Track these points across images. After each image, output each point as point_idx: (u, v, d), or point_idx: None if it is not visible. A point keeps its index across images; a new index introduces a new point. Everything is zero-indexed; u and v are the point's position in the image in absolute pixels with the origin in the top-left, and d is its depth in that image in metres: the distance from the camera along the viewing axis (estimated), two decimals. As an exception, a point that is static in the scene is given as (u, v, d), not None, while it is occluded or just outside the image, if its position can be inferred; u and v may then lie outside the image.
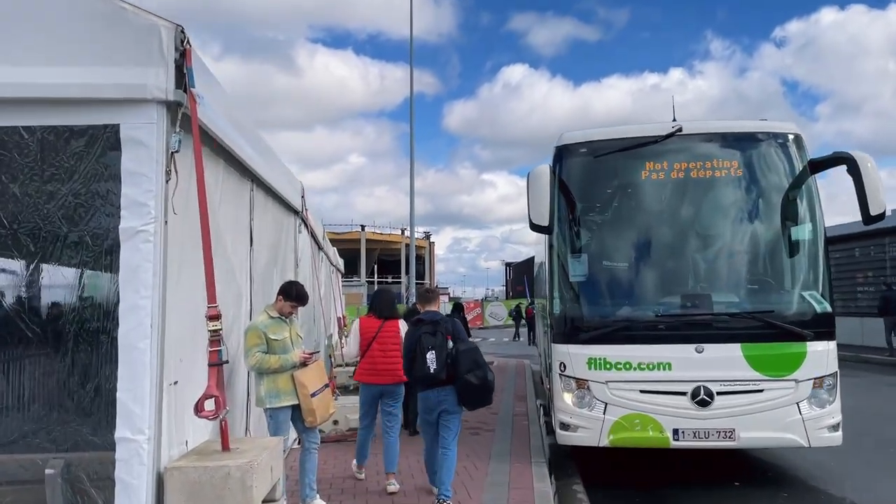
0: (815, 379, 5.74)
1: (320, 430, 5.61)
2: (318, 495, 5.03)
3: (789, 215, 6.05)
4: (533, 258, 22.77)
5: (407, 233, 31.86)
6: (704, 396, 5.72)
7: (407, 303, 22.04)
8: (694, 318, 5.86)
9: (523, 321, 27.37)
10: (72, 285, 3.30)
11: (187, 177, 3.46)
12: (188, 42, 3.34)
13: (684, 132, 6.16)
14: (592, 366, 5.93)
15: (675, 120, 6.53)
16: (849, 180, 5.65)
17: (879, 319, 16.55)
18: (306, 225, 7.88)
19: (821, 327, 5.80)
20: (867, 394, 10.92)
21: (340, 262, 16.71)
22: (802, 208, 6.07)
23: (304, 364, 4.78)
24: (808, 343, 5.74)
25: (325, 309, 10.81)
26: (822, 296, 5.92)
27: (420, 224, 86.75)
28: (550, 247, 6.40)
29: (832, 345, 5.85)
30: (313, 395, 4.74)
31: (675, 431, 5.76)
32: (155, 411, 3.17)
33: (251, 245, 5.26)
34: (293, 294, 4.88)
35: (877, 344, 17.08)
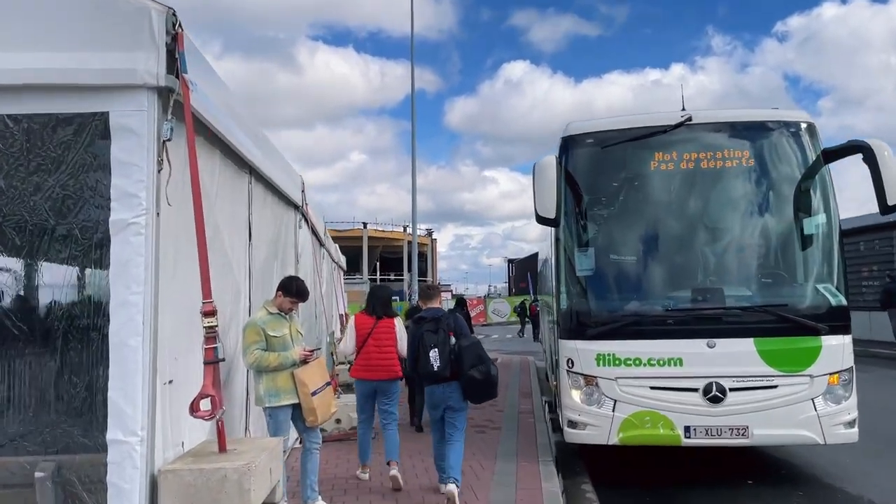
0: (830, 374, 5.58)
1: (322, 430, 5.48)
2: (319, 497, 4.89)
3: (802, 206, 5.89)
4: (536, 255, 22.66)
5: (409, 230, 31.72)
6: (717, 393, 5.56)
7: (409, 300, 21.91)
8: (705, 313, 5.70)
9: (528, 317, 27.23)
10: (60, 280, 3.16)
11: (181, 167, 3.32)
12: (180, 26, 3.19)
13: (694, 121, 5.99)
14: (601, 362, 5.78)
15: (683, 109, 6.36)
16: (854, 173, 5.56)
17: (886, 313, 16.36)
18: (307, 220, 7.74)
19: (836, 321, 5.64)
20: (874, 388, 10.74)
21: (342, 259, 16.58)
22: (816, 199, 5.90)
23: (304, 362, 4.63)
24: (823, 337, 5.58)
25: (327, 306, 10.67)
26: (837, 289, 5.75)
27: (422, 221, 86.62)
28: (557, 240, 6.24)
29: (848, 339, 5.69)
30: (314, 393, 4.59)
31: (687, 429, 5.61)
32: (148, 412, 3.03)
33: (250, 240, 5.13)
34: (293, 289, 4.73)
35: (884, 338, 16.90)
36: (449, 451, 5.10)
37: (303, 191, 7.38)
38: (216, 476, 3.00)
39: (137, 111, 3.08)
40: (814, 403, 5.55)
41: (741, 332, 5.59)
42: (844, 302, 5.70)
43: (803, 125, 6.03)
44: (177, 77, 3.17)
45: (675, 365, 5.66)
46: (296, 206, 7.18)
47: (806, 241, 5.87)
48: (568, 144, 6.21)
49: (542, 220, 5.80)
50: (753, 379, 5.57)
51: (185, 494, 2.98)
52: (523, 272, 39.91)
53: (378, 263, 59.08)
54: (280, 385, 4.54)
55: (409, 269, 27.82)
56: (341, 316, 13.22)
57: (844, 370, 5.63)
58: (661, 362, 5.68)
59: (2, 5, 3.01)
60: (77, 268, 3.16)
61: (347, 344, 5.85)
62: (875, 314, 17.66)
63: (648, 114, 6.29)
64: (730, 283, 5.91)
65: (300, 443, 5.30)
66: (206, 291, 3.27)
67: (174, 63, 3.16)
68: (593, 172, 6.15)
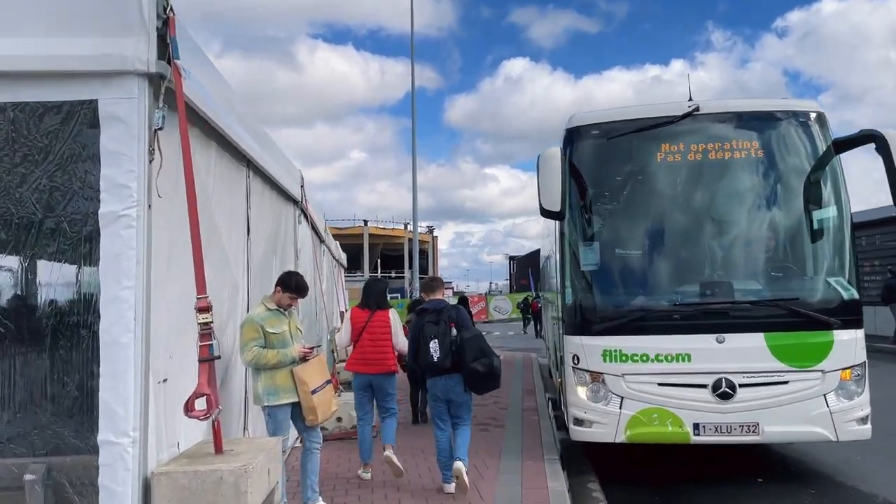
0: (842, 369, 5.45)
1: (323, 428, 5.37)
2: (320, 497, 4.77)
3: (813, 198, 5.75)
4: (537, 251, 22.51)
5: (410, 227, 31.58)
6: (726, 389, 5.44)
7: (410, 297, 21.79)
8: (714, 307, 5.56)
9: (530, 314, 27.09)
10: (49, 276, 3.03)
11: (175, 158, 3.19)
12: (171, 10, 3.06)
13: (701, 112, 5.86)
14: (607, 358, 5.65)
15: (690, 100, 6.22)
16: (854, 167, 5.49)
17: (888, 308, 16.22)
18: (306, 216, 7.61)
19: (848, 315, 5.51)
20: (880, 384, 10.58)
21: (343, 256, 16.45)
22: (827, 190, 5.77)
23: (304, 359, 4.50)
24: (834, 332, 5.45)
25: (328, 303, 10.55)
26: (849, 282, 5.61)
27: (423, 219, 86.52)
28: (562, 234, 6.10)
29: (860, 333, 5.56)
30: (314, 391, 4.46)
31: (696, 426, 5.48)
32: (140, 412, 2.91)
33: (248, 234, 5.00)
34: (292, 285, 4.60)
35: (887, 333, 16.76)
36: (456, 436, 5.22)
37: (302, 186, 7.25)
38: (212, 478, 2.88)
39: (127, 99, 2.95)
40: (826, 399, 5.42)
41: (751, 326, 5.46)
42: (856, 295, 5.56)
43: (813, 115, 5.89)
44: (168, 63, 3.04)
45: (684, 361, 5.53)
46: (295, 202, 7.06)
47: (817, 233, 5.73)
48: (572, 136, 6.07)
49: (546, 213, 5.68)
50: (764, 374, 5.45)
51: (180, 497, 2.86)
52: (524, 269, 39.81)
53: (379, 261, 58.99)
54: (279, 383, 4.41)
55: (411, 267, 27.70)
56: (342, 313, 13.10)
57: (857, 365, 5.50)
58: (670, 358, 5.55)
59: (-16, -12, 2.88)
60: (66, 262, 3.03)
61: (342, 337, 5.88)
62: (878, 309, 17.51)
63: (655, 104, 6.14)
64: (739, 276, 5.77)
65: (301, 442, 5.19)
66: (201, 286, 3.14)
67: (165, 48, 3.03)
68: (598, 165, 6.01)
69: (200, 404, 3.09)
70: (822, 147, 5.79)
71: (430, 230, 61.15)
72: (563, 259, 6.12)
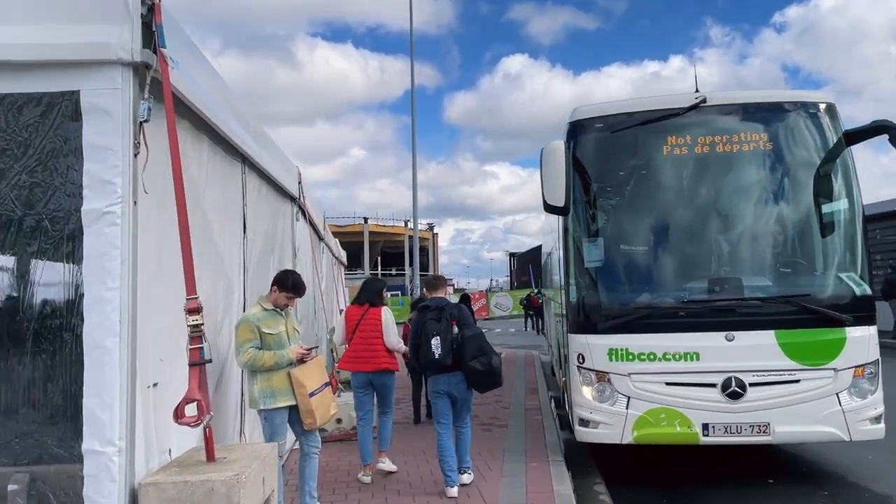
0: (855, 367, 5.30)
1: (322, 430, 5.23)
2: (318, 503, 4.62)
3: (824, 191, 5.58)
4: (538, 248, 22.32)
5: (410, 225, 31.41)
6: (736, 388, 5.29)
7: (411, 294, 21.63)
8: (723, 304, 5.40)
9: (531, 311, 26.94)
10: (29, 277, 2.88)
11: (163, 152, 3.04)
12: (157, -6, 2.91)
13: (708, 103, 5.69)
14: (614, 357, 5.50)
15: (697, 91, 6.06)
16: (858, 160, 5.27)
17: (888, 304, 16.07)
18: (304, 213, 7.46)
19: (860, 311, 5.36)
20: (886, 381, 10.46)
21: (343, 254, 16.29)
22: (838, 183, 5.60)
23: (301, 360, 4.35)
24: (847, 328, 5.30)
25: (327, 302, 10.40)
26: (861, 277, 5.46)
27: (423, 216, 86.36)
28: (566, 230, 5.94)
29: (872, 330, 5.41)
30: (312, 394, 4.31)
31: (705, 426, 5.33)
32: (127, 419, 2.76)
33: (244, 232, 4.86)
34: (289, 284, 4.45)
35: (888, 328, 16.60)
36: (458, 440, 5.30)
37: (299, 182, 7.10)
38: (202, 489, 2.73)
39: (111, 89, 2.81)
40: (838, 398, 5.27)
41: (761, 324, 5.31)
42: (869, 291, 5.42)
43: (823, 105, 5.73)
44: (154, 52, 2.89)
45: (692, 359, 5.38)
46: (292, 198, 6.91)
47: (828, 227, 5.56)
48: (575, 129, 5.91)
49: (550, 208, 5.52)
50: (775, 373, 5.30)
51: (169, 509, 2.71)
52: (524, 266, 39.64)
53: (379, 258, 58.86)
54: (276, 386, 4.26)
55: (411, 264, 27.55)
56: (342, 311, 12.95)
57: (870, 363, 5.36)
58: (678, 357, 5.40)
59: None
60: (47, 262, 2.88)
61: (337, 335, 6.00)
62: (879, 304, 17.32)
63: (660, 96, 5.98)
64: (749, 272, 5.61)
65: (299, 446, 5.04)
66: (191, 287, 3.00)
67: (151, 36, 2.88)
68: (603, 158, 5.84)
69: (191, 410, 2.95)
70: (832, 139, 5.63)
71: (431, 227, 61.02)
72: (567, 255, 5.96)
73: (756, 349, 5.30)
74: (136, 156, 2.84)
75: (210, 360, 3.06)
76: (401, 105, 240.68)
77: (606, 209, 5.77)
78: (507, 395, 9.66)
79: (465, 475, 5.33)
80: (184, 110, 3.41)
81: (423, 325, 5.16)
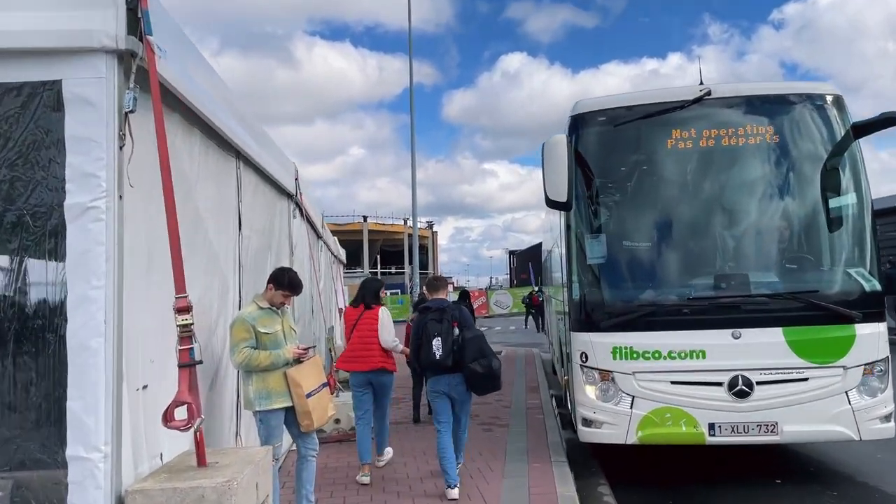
0: (865, 365, 5.19)
1: (320, 431, 5.12)
2: (317, 507, 4.51)
3: (831, 184, 5.46)
4: (538, 245, 22.19)
5: (409, 223, 31.29)
6: (743, 387, 5.17)
7: (410, 293, 21.50)
8: (730, 301, 5.28)
9: (532, 309, 26.82)
10: (10, 275, 2.76)
11: (152, 145, 2.91)
12: (143, -20, 2.78)
13: (713, 96, 5.57)
14: (617, 355, 5.38)
15: (701, 84, 5.93)
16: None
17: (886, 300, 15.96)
18: (301, 210, 7.33)
19: (870, 308, 5.24)
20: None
21: (342, 253, 16.16)
22: (846, 177, 5.48)
23: (298, 360, 4.23)
24: (856, 325, 5.18)
25: (325, 301, 10.28)
26: (871, 273, 5.34)
27: (422, 214, 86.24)
28: (568, 226, 5.81)
29: (882, 327, 5.29)
30: (309, 395, 4.18)
31: (711, 426, 5.22)
32: (113, 423, 2.64)
33: (240, 229, 4.73)
34: (285, 282, 4.33)
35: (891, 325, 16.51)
36: (457, 443, 5.27)
37: (296, 179, 6.97)
38: (192, 496, 2.61)
39: (95, 79, 2.69)
40: (848, 397, 5.16)
41: (769, 321, 5.19)
42: (879, 287, 5.29)
43: (830, 97, 5.60)
44: (140, 39, 2.76)
45: (698, 358, 5.26)
46: (289, 195, 6.78)
47: (836, 221, 5.44)
48: (577, 123, 5.78)
49: (552, 203, 5.40)
50: (782, 371, 5.18)
51: (157, 518, 2.59)
52: (524, 264, 39.57)
53: (379, 257, 58.72)
54: (272, 386, 4.14)
55: (410, 263, 27.43)
56: (341, 310, 12.83)
57: (880, 360, 5.24)
58: (683, 355, 5.28)
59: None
60: (29, 260, 2.76)
61: (338, 335, 5.90)
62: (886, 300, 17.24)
63: (664, 88, 5.85)
64: (755, 268, 5.49)
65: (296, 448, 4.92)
66: (180, 285, 2.87)
67: (137, 23, 2.75)
68: (606, 153, 5.72)
69: (181, 413, 2.82)
70: (840, 131, 5.50)
71: (430, 225, 60.82)
72: (569, 252, 5.84)
73: (763, 347, 5.18)
74: (121, 148, 2.72)
75: (201, 362, 2.94)
76: (400, 103, 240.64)
77: (609, 204, 5.65)
78: (507, 394, 9.54)
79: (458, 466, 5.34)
80: (173, 101, 3.28)
81: (424, 325, 5.13)
